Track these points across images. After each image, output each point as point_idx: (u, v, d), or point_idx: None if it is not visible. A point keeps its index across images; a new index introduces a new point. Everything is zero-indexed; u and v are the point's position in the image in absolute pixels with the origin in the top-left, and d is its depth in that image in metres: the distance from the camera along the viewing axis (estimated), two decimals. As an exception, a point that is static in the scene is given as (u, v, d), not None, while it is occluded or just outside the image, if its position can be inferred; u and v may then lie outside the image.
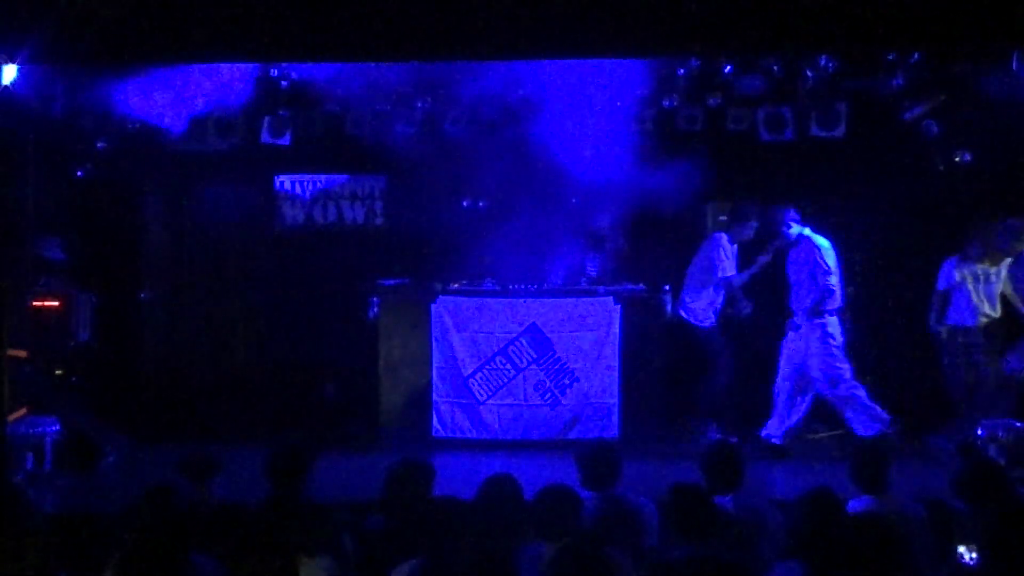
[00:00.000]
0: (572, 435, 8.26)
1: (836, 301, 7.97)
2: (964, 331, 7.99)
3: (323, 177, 9.87)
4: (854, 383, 7.92)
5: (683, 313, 8.47)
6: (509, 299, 8.54)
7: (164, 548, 3.96)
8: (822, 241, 8.05)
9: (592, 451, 5.12)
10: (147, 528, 4.02)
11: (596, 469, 4.99)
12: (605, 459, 5.04)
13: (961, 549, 4.48)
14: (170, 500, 4.15)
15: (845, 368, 7.91)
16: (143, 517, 4.08)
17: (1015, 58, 7.15)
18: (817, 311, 7.90)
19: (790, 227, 8.11)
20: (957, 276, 8.07)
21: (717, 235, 8.55)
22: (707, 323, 8.46)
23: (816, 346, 7.91)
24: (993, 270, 8.00)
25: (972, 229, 8.10)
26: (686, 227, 9.17)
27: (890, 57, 8.24)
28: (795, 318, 8.03)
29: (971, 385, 7.91)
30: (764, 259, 8.37)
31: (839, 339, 7.94)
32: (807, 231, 8.11)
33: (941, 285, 8.15)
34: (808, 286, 7.97)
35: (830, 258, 7.99)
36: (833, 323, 7.95)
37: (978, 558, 4.28)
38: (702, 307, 8.43)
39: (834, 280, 7.93)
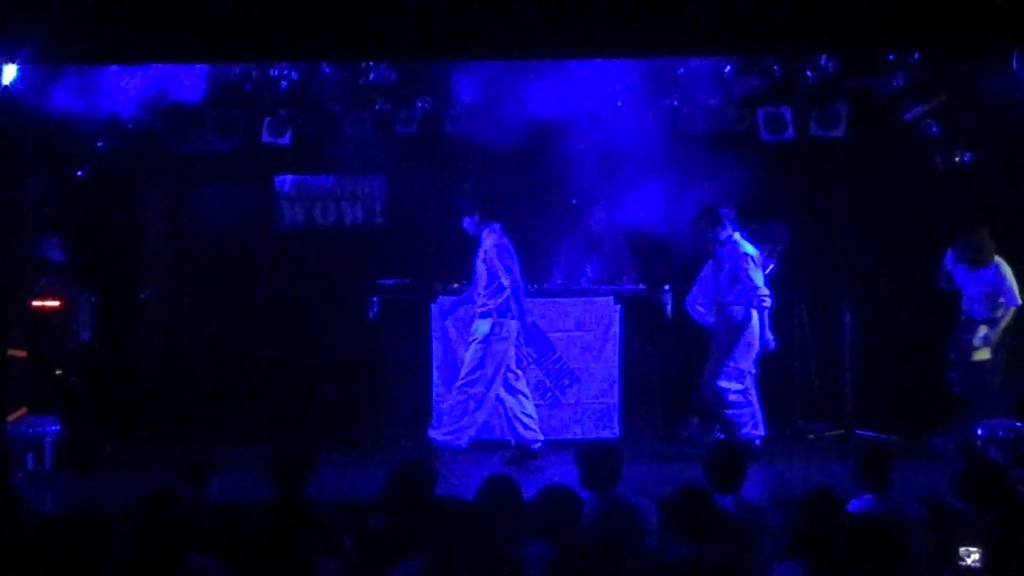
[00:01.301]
0: (572, 435, 8.26)
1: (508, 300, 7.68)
2: (969, 327, 7.99)
3: (323, 177, 9.87)
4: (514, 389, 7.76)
5: (690, 311, 8.42)
6: (509, 299, 8.53)
7: (162, 549, 3.96)
8: (501, 241, 7.72)
9: (592, 451, 5.12)
10: (145, 528, 4.02)
11: (596, 469, 4.98)
12: (605, 459, 5.04)
13: (962, 550, 4.48)
14: (168, 501, 4.14)
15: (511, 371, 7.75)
16: (141, 518, 4.07)
17: (1015, 58, 7.15)
18: (491, 310, 7.68)
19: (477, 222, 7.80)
20: (950, 269, 8.12)
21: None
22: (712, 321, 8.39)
23: (489, 344, 7.70)
24: (975, 273, 7.97)
25: (959, 232, 8.10)
26: (685, 227, 9.15)
27: (890, 57, 8.24)
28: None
29: (973, 384, 7.91)
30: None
31: (508, 340, 7.72)
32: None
33: (948, 264, 8.18)
34: (487, 282, 7.73)
35: (504, 257, 7.69)
36: (506, 324, 7.68)
37: (979, 558, 4.29)
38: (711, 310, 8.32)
39: (507, 280, 7.62)
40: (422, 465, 4.90)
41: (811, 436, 8.51)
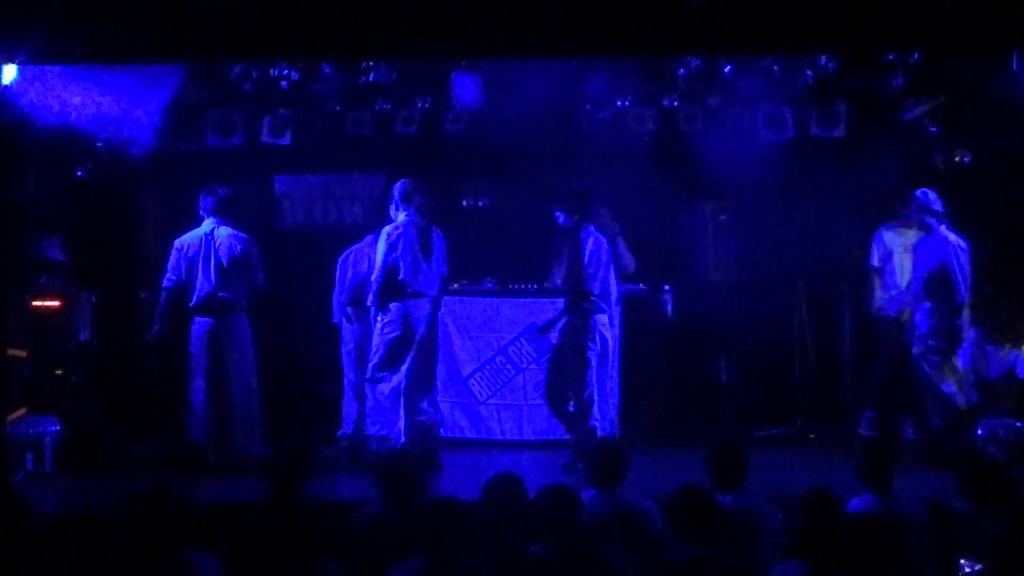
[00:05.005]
0: (572, 435, 8.25)
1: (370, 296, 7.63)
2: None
3: (323, 177, 9.87)
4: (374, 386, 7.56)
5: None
6: (509, 299, 8.53)
7: (160, 544, 3.95)
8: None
9: (600, 449, 5.13)
10: (142, 525, 4.02)
11: (604, 467, 4.98)
12: (613, 457, 5.04)
13: (962, 551, 4.48)
14: (164, 497, 4.14)
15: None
16: (138, 514, 4.06)
17: (1015, 58, 7.15)
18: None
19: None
20: (887, 244, 7.97)
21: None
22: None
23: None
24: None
25: (903, 193, 7.96)
26: (686, 227, 9.16)
27: (890, 57, 8.24)
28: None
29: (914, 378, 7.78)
30: None
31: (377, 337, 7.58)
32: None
33: (873, 260, 8.03)
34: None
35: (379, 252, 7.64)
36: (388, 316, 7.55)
37: (980, 559, 4.29)
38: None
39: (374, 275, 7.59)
40: (404, 460, 4.89)
41: (811, 436, 8.50)
